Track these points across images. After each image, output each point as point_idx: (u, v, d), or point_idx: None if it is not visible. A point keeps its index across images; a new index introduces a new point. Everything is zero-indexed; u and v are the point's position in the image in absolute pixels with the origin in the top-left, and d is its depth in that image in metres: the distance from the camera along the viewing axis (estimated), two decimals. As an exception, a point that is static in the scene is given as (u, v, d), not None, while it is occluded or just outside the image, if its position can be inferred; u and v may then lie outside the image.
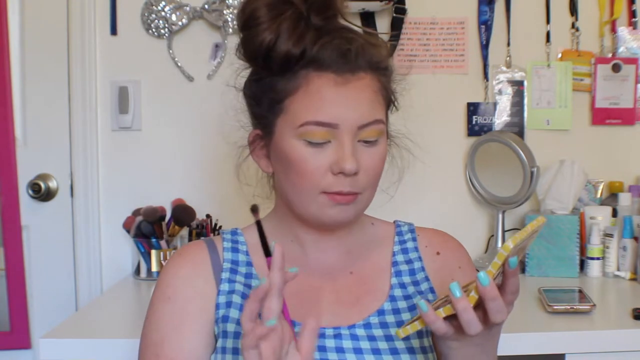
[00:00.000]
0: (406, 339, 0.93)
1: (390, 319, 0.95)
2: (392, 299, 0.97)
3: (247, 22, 0.91)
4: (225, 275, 0.97)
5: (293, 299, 0.96)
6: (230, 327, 0.94)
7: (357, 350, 0.92)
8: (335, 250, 1.00)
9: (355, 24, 0.98)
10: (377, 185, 0.96)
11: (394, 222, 1.08)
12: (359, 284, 0.99)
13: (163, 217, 1.84)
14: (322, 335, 0.93)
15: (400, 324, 0.95)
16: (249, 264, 1.00)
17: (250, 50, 0.92)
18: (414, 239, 1.04)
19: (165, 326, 0.94)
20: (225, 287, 0.96)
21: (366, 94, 0.90)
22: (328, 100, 0.88)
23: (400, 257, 1.02)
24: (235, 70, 0.99)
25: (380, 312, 0.96)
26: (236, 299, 0.96)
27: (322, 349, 0.92)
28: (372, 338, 0.93)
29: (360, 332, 0.94)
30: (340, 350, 0.92)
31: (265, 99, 0.93)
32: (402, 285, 0.99)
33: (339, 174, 0.88)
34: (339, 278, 0.99)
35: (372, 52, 0.92)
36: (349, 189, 0.89)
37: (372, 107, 0.90)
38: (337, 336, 0.93)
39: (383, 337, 0.93)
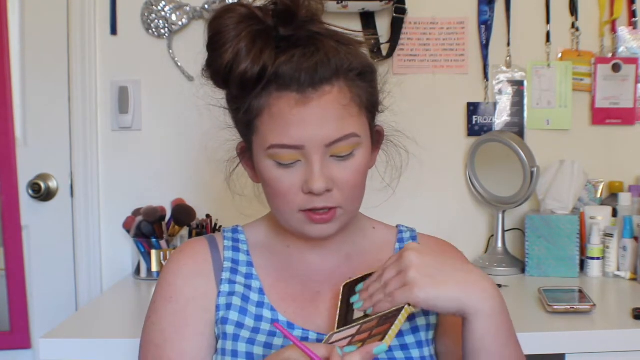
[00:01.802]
0: (405, 348, 0.93)
1: None
2: None
3: (211, 44, 0.89)
4: (225, 275, 0.97)
5: (292, 304, 0.96)
6: (230, 329, 0.93)
7: None
8: (334, 255, 0.99)
9: (334, 25, 0.93)
10: (361, 195, 0.94)
11: (397, 226, 1.06)
12: None
13: (163, 217, 1.84)
14: (320, 341, 0.92)
15: (399, 334, 0.94)
16: (249, 264, 0.99)
17: (212, 73, 0.91)
18: None
19: (166, 327, 0.93)
20: (225, 288, 0.96)
21: (332, 110, 0.86)
22: (290, 122, 0.86)
23: None
24: None
25: None
26: (236, 301, 0.95)
27: None
28: None
29: None
30: None
31: (239, 117, 0.92)
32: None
33: (309, 193, 0.88)
34: (338, 284, 0.98)
35: (339, 59, 0.87)
36: (323, 204, 0.88)
37: (341, 122, 0.87)
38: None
39: None
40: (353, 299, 0.87)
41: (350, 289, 0.91)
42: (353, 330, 0.82)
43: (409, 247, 0.84)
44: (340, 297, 0.91)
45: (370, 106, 0.93)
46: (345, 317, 0.89)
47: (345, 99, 0.88)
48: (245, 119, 0.91)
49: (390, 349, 0.92)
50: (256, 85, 0.87)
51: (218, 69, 0.88)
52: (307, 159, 0.87)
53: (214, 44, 0.88)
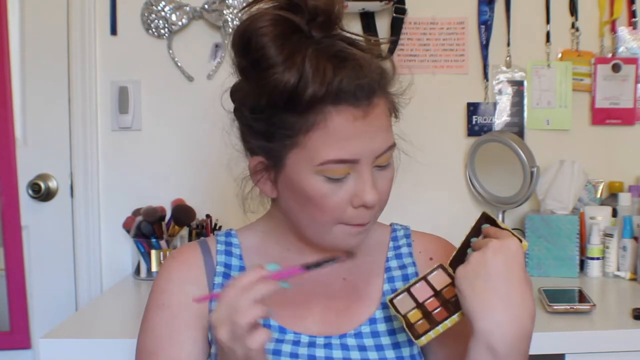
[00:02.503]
0: (396, 347, 0.93)
1: (381, 327, 0.95)
2: (384, 306, 0.96)
3: (257, 64, 0.85)
4: (218, 280, 0.97)
5: (284, 308, 0.95)
6: None
7: (346, 359, 0.92)
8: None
9: (352, 32, 0.92)
10: None
11: (390, 224, 1.06)
12: (352, 291, 0.98)
13: (163, 217, 1.84)
14: (312, 344, 0.92)
15: (391, 332, 0.94)
16: (241, 268, 0.98)
17: (269, 93, 0.84)
18: (409, 244, 1.03)
19: (159, 334, 0.93)
20: (218, 292, 0.96)
21: (382, 122, 0.87)
22: (349, 137, 0.84)
23: (393, 263, 1.01)
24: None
25: (372, 321, 0.95)
26: None
27: (312, 358, 0.91)
28: (362, 348, 0.93)
29: (351, 341, 0.93)
30: (329, 359, 0.92)
31: (274, 134, 0.87)
32: (395, 292, 0.97)
33: (360, 206, 0.87)
34: (332, 285, 0.98)
35: (384, 75, 0.89)
36: (369, 218, 0.89)
37: (386, 133, 0.88)
38: (328, 345, 0.93)
39: (373, 347, 0.93)
40: (473, 240, 0.87)
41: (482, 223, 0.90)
42: (433, 289, 0.88)
43: (507, 246, 0.81)
44: (474, 224, 0.90)
45: (394, 115, 0.94)
46: (463, 254, 0.88)
47: (387, 110, 0.89)
48: (284, 134, 0.86)
49: (381, 348, 0.93)
50: (319, 104, 0.83)
51: (279, 90, 0.83)
52: (359, 172, 0.86)
53: (264, 62, 0.84)
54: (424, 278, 0.90)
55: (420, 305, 0.87)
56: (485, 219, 0.89)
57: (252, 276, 0.78)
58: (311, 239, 0.93)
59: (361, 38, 0.92)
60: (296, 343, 0.92)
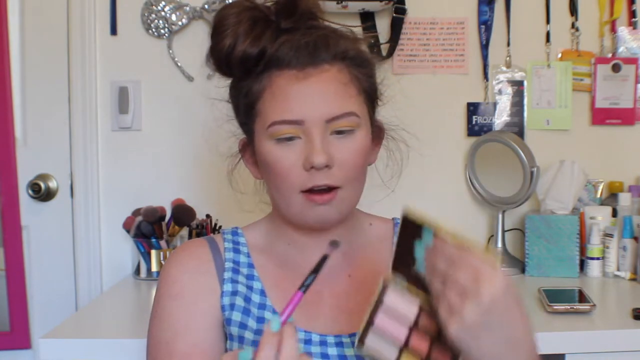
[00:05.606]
0: None
1: None
2: None
3: (213, 32, 0.92)
4: (227, 275, 0.96)
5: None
6: (234, 331, 0.93)
7: (359, 358, 0.91)
8: (334, 253, 0.99)
9: (336, 22, 0.96)
10: (362, 180, 0.94)
11: (392, 219, 1.06)
12: (358, 288, 0.98)
13: (163, 217, 1.84)
14: (324, 343, 0.92)
15: None
16: (250, 265, 0.98)
17: (214, 58, 0.93)
18: None
19: (175, 323, 0.92)
20: (228, 287, 0.95)
21: (332, 87, 0.88)
22: (290, 97, 0.87)
23: None
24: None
25: None
26: (239, 301, 0.95)
27: (325, 356, 0.91)
28: None
29: None
30: (342, 357, 0.91)
31: (241, 105, 0.94)
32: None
33: (311, 169, 0.87)
34: (337, 281, 0.98)
35: (337, 43, 0.90)
36: (324, 182, 0.88)
37: (341, 100, 0.88)
38: (339, 344, 0.93)
39: None
40: (419, 246, 0.79)
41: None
42: (413, 311, 0.78)
43: (500, 284, 0.74)
44: (402, 224, 0.83)
45: (370, 92, 0.94)
46: (406, 260, 0.79)
47: (345, 79, 0.90)
48: (247, 103, 0.92)
49: None
50: (256, 66, 0.89)
51: (219, 53, 0.91)
52: (308, 136, 0.88)
53: (216, 29, 0.91)
54: (382, 303, 0.80)
55: (409, 349, 0.77)
56: (412, 222, 0.82)
57: (270, 349, 0.69)
58: (287, 216, 0.94)
59: (344, 29, 0.94)
60: (308, 342, 0.92)
